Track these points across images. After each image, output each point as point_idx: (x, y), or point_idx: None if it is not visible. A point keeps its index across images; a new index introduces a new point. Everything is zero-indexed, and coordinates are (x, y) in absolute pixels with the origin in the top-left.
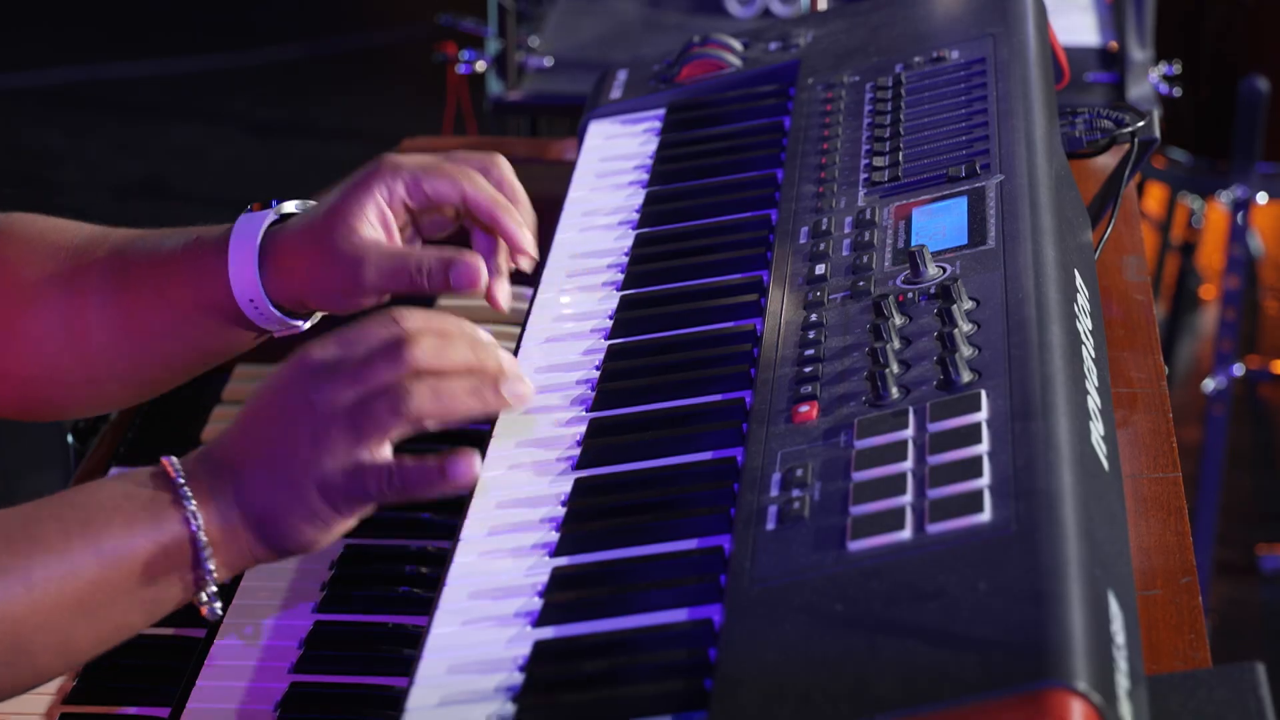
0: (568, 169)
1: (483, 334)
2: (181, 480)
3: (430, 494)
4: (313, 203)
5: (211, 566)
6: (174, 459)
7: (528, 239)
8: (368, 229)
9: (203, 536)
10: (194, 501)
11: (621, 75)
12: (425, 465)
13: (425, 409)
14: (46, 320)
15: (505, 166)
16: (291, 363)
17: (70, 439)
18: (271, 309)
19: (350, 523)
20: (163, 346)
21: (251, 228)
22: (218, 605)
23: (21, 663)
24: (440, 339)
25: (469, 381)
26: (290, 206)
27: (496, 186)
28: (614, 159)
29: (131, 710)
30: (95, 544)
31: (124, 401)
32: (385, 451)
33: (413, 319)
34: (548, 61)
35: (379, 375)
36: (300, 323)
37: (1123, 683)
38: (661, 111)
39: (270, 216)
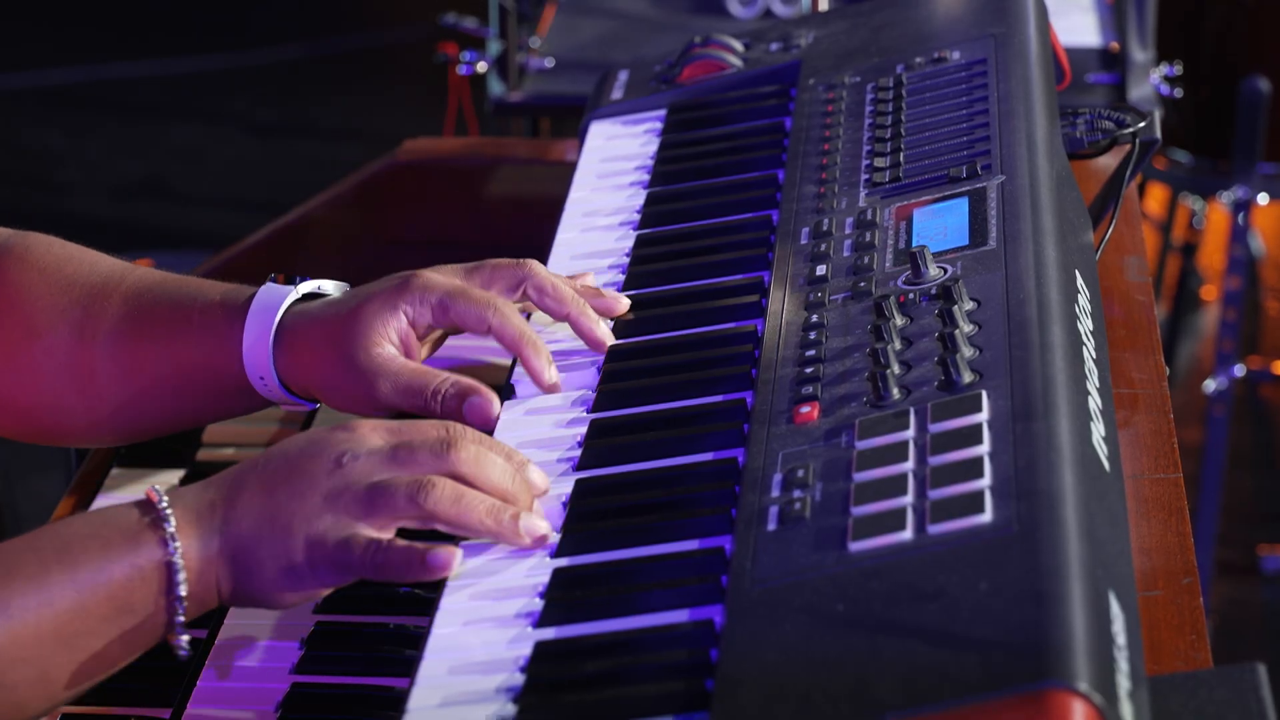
0: (569, 170)
1: (534, 469)
2: (164, 505)
3: (405, 578)
4: (334, 285)
5: (183, 593)
6: (158, 488)
7: (552, 375)
8: (387, 346)
9: (179, 560)
10: (173, 525)
11: (622, 76)
12: (410, 549)
13: (441, 509)
14: (53, 356)
15: (540, 274)
16: (335, 427)
17: None
18: (280, 388)
19: (321, 591)
20: (167, 402)
21: (271, 304)
22: (184, 640)
23: (3, 698)
24: (486, 455)
25: (492, 502)
26: (311, 286)
27: (538, 293)
28: (615, 159)
29: (132, 710)
30: (72, 571)
31: (122, 441)
32: (386, 533)
33: (466, 432)
34: (549, 62)
35: (416, 465)
36: (308, 404)
37: (1124, 683)
38: (662, 112)
39: (292, 295)
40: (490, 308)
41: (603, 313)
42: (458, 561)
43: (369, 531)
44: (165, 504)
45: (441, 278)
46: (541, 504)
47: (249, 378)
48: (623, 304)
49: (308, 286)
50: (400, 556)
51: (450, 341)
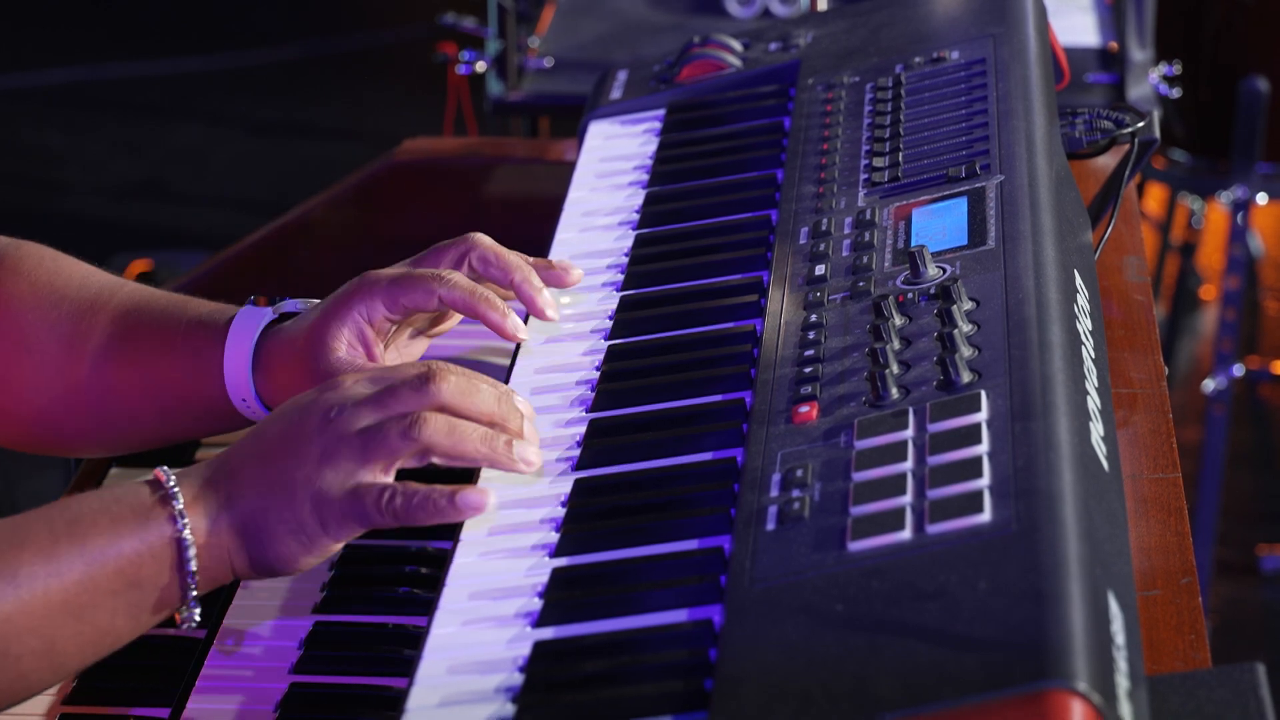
0: (568, 169)
1: (517, 396)
2: (171, 483)
3: (431, 521)
4: (314, 302)
5: (194, 568)
6: (166, 468)
7: (513, 323)
8: (345, 349)
9: (188, 537)
10: (182, 502)
11: (621, 75)
12: (430, 491)
13: (436, 440)
14: (44, 369)
15: (484, 244)
16: (320, 386)
17: None
18: (262, 410)
19: (335, 546)
20: (153, 421)
21: (249, 327)
22: (196, 613)
23: (8, 668)
24: (469, 383)
25: (485, 430)
26: (291, 306)
27: (483, 264)
28: (614, 159)
29: (131, 710)
30: (81, 545)
31: (115, 451)
32: (387, 476)
33: (446, 366)
34: (548, 62)
35: (401, 403)
36: None
37: (1123, 683)
38: (661, 112)
39: (268, 316)
40: (435, 279)
41: (552, 283)
42: (492, 500)
43: (370, 477)
44: (173, 483)
45: (387, 270)
46: (542, 504)
47: (231, 401)
48: (574, 275)
49: (288, 306)
50: (419, 499)
51: (448, 340)
